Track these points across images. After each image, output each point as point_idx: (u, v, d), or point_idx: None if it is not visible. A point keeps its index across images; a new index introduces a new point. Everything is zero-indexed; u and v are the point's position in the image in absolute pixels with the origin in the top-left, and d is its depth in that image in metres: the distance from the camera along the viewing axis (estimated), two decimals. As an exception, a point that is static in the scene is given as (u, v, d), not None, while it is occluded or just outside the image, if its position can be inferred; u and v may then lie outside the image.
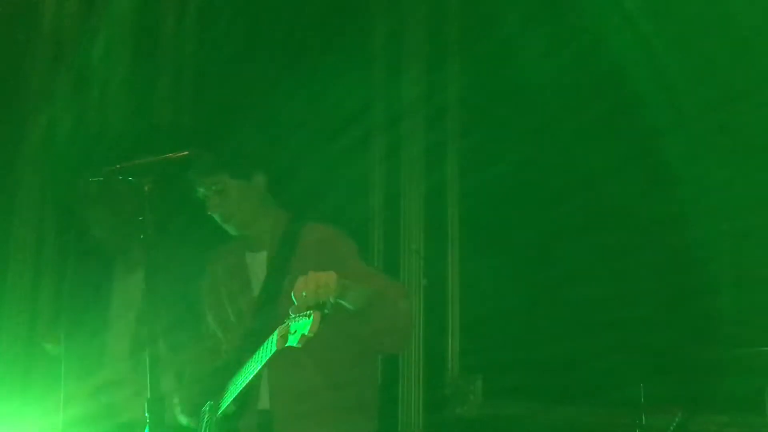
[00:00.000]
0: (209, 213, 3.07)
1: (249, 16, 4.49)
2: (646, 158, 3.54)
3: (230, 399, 2.86)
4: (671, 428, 3.13)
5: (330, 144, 4.19)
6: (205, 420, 2.95)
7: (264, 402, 3.01)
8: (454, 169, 4.18)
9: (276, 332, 2.53)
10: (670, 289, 3.49)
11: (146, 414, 2.46)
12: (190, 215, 3.22)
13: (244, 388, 2.79)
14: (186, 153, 2.60)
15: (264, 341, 2.66)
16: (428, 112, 4.25)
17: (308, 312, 2.41)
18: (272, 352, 2.56)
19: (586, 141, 3.66)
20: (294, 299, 2.49)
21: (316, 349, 2.56)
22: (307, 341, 2.39)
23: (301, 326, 2.40)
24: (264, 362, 2.63)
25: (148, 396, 2.45)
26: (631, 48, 3.56)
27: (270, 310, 2.94)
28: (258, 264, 3.12)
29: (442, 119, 4.23)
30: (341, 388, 3.00)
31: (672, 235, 3.50)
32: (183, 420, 3.08)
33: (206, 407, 2.97)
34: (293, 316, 2.47)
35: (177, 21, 4.72)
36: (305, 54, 4.38)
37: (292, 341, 2.43)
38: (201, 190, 3.07)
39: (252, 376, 2.71)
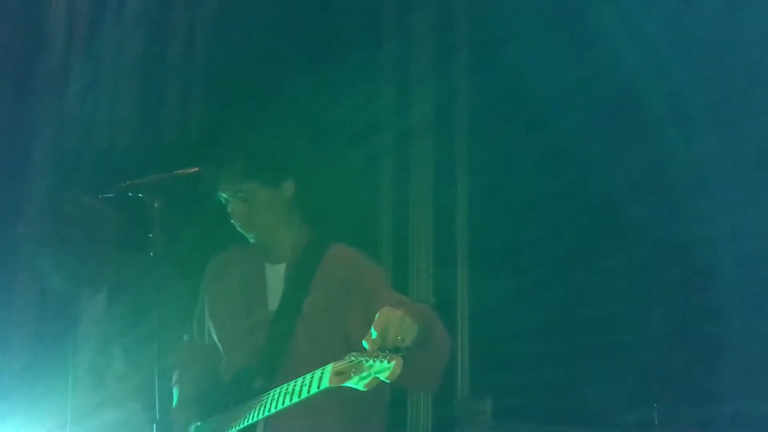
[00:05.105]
0: (231, 220, 2.88)
1: (259, 28, 4.46)
2: (661, 177, 3.52)
3: (237, 428, 2.68)
4: None
5: (338, 162, 4.16)
6: None
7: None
8: (464, 187, 4.16)
9: (329, 367, 2.35)
10: (682, 310, 3.46)
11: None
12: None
13: (259, 418, 2.62)
14: (196, 170, 2.58)
15: (278, 365, 2.52)
16: (438, 129, 4.23)
17: (386, 355, 2.21)
18: (320, 388, 2.37)
19: (599, 158, 3.63)
20: (374, 333, 2.29)
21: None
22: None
23: (375, 369, 2.22)
24: (303, 398, 2.44)
25: (157, 417, 2.42)
26: (644, 61, 3.54)
27: (285, 330, 2.78)
28: (276, 277, 2.91)
29: (452, 136, 4.21)
30: (348, 408, 2.77)
31: (684, 258, 3.47)
32: None
33: (193, 429, 2.80)
34: (361, 355, 2.26)
35: (185, 34, 4.70)
36: (308, 71, 4.36)
37: (357, 383, 2.26)
38: (224, 195, 2.86)
39: (276, 409, 2.53)
